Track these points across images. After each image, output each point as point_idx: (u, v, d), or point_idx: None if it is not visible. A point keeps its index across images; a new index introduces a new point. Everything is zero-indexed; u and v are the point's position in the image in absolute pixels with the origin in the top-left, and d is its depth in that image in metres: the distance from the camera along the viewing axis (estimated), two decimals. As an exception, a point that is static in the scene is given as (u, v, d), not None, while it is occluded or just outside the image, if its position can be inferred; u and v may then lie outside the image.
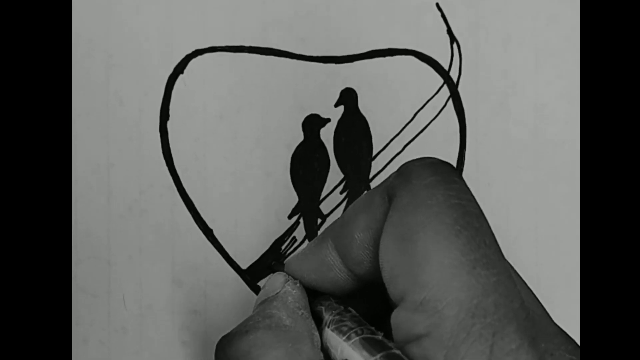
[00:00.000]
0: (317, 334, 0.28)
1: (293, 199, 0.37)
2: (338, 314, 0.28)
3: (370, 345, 0.26)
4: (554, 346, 0.25)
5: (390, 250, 0.26)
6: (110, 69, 0.37)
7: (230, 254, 0.37)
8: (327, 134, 0.38)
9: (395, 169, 0.38)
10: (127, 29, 0.37)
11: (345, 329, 0.27)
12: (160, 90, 0.37)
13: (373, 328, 0.27)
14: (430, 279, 0.24)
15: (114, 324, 0.36)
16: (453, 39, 0.38)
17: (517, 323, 0.24)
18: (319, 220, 0.38)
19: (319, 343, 0.28)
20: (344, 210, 0.38)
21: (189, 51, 0.37)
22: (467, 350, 0.24)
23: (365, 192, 0.29)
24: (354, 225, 0.27)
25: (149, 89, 0.37)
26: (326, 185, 0.38)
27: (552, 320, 0.27)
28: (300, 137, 0.38)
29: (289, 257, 0.31)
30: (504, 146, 0.38)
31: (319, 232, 0.37)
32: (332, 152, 0.38)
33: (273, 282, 0.30)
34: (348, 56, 0.38)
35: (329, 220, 0.37)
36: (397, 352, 0.25)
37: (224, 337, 0.28)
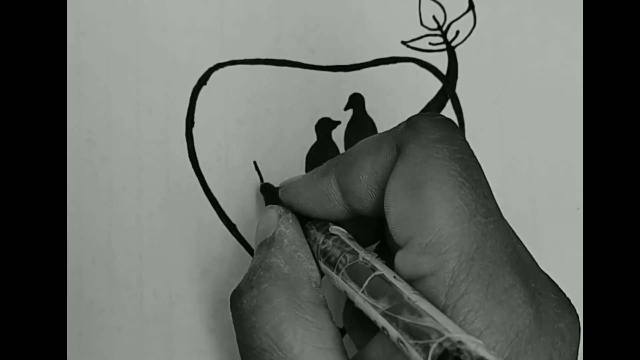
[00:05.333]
0: (315, 274, 0.29)
1: None
2: (323, 242, 0.29)
3: (356, 273, 0.26)
4: (542, 286, 0.26)
5: (399, 197, 0.26)
6: (141, 82, 0.38)
7: (252, 246, 0.38)
8: (338, 135, 0.39)
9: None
10: (155, 47, 0.38)
11: (332, 259, 0.28)
12: (186, 100, 0.38)
13: (353, 246, 0.28)
14: (436, 224, 0.25)
15: (145, 314, 0.37)
16: (449, 46, 0.40)
17: (511, 265, 0.25)
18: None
19: (318, 281, 0.29)
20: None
21: (211, 64, 0.38)
22: (466, 288, 0.24)
23: (371, 137, 0.29)
24: (360, 167, 0.28)
25: (175, 99, 0.38)
26: None
27: (539, 266, 0.28)
28: (313, 138, 0.38)
29: (286, 183, 0.32)
30: (499, 140, 0.39)
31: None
32: (343, 150, 0.38)
33: (267, 221, 0.31)
34: (355, 65, 0.39)
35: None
36: (380, 272, 0.26)
37: (234, 292, 0.29)
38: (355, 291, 0.26)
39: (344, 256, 0.27)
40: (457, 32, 0.40)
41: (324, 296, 0.29)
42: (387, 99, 0.39)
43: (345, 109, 0.39)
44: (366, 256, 0.27)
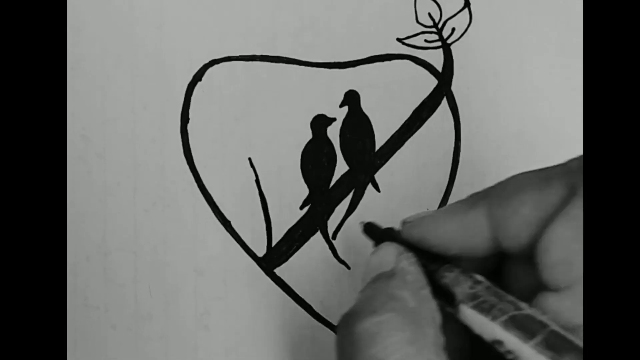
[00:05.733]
0: (437, 315, 0.27)
1: (304, 191, 0.38)
2: (471, 287, 0.26)
3: (523, 324, 0.24)
4: None
5: (567, 239, 0.25)
6: (136, 79, 0.38)
7: (247, 243, 0.38)
8: (333, 132, 0.39)
9: (397, 161, 0.39)
10: (150, 43, 0.38)
11: (486, 306, 0.25)
12: (181, 96, 0.38)
13: (513, 298, 0.25)
14: None
15: (140, 311, 0.37)
16: (445, 43, 0.40)
17: None
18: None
19: (439, 324, 0.27)
20: (351, 201, 0.38)
21: (206, 61, 0.38)
22: None
23: (534, 170, 0.27)
24: (520, 201, 0.26)
25: (170, 96, 0.38)
26: (333, 177, 0.38)
27: None
28: (309, 135, 0.38)
29: (412, 218, 0.29)
30: (495, 138, 0.39)
31: (328, 223, 0.38)
32: (339, 148, 0.38)
33: (384, 255, 0.28)
34: (350, 61, 0.39)
35: (338, 210, 0.38)
36: (555, 328, 0.24)
37: (350, 314, 0.26)
38: (523, 341, 0.24)
39: (503, 304, 0.25)
40: (453, 29, 0.40)
41: (444, 340, 0.26)
42: (382, 96, 0.39)
43: (341, 105, 0.39)
44: (530, 310, 0.25)
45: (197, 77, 0.38)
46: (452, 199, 0.39)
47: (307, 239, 0.38)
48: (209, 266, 0.37)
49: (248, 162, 0.38)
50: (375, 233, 0.30)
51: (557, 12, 0.40)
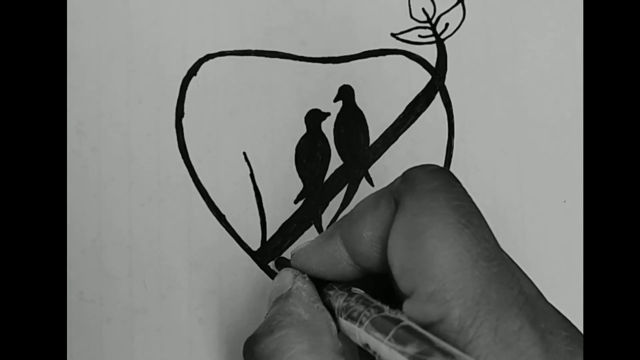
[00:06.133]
0: (333, 324, 0.29)
1: (298, 185, 0.38)
2: (345, 300, 0.29)
3: (381, 324, 0.26)
4: (552, 325, 0.26)
5: (400, 249, 0.27)
6: (131, 73, 0.38)
7: (242, 237, 0.38)
8: (327, 127, 0.39)
9: (391, 156, 0.39)
10: (145, 37, 0.38)
11: (355, 314, 0.27)
12: (176, 91, 0.38)
13: (379, 303, 0.27)
14: (438, 273, 0.25)
15: (135, 305, 0.37)
16: (439, 38, 0.40)
17: (518, 307, 0.25)
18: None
19: (336, 332, 0.29)
20: (345, 195, 0.39)
21: (201, 55, 0.38)
22: (474, 333, 0.25)
23: (370, 194, 0.30)
24: (362, 225, 0.29)
25: (165, 90, 0.38)
26: (328, 172, 0.39)
27: (547, 302, 0.27)
28: (303, 129, 0.39)
29: (296, 251, 0.32)
30: (489, 133, 0.39)
31: (322, 217, 0.39)
32: (333, 142, 0.39)
33: (283, 279, 0.31)
34: (344, 56, 0.39)
35: (332, 204, 0.38)
36: (407, 323, 0.25)
37: (250, 338, 0.29)
38: (380, 340, 0.26)
39: (369, 310, 0.27)
40: (447, 25, 0.40)
41: (342, 346, 0.28)
42: (376, 91, 0.39)
43: (335, 100, 0.39)
44: (391, 312, 0.27)
45: (192, 71, 0.38)
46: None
47: (302, 233, 0.38)
48: (203, 260, 0.37)
49: (242, 156, 0.38)
50: (284, 266, 0.34)
51: (553, 8, 0.40)
